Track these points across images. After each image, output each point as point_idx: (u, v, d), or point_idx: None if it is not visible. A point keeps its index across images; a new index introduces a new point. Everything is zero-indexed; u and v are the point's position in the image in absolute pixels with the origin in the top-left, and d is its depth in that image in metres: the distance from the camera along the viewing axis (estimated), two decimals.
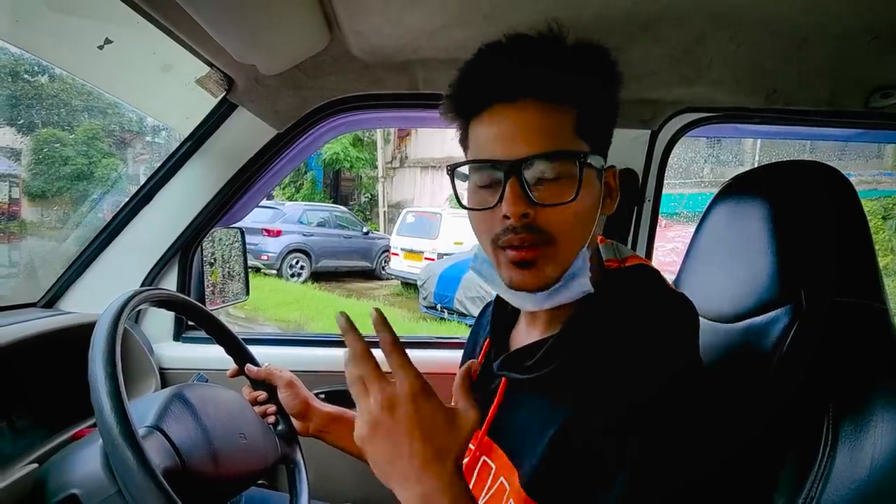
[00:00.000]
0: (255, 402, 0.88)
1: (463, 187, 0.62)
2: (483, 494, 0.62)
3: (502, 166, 0.55)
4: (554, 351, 0.58)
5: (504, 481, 0.59)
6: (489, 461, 0.64)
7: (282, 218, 9.19)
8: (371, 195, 14.86)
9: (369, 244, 10.26)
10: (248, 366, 0.88)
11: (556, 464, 0.53)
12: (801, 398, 0.59)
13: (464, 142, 0.64)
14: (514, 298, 0.62)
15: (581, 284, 0.58)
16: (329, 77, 1.01)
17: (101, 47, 0.92)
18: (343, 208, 11.63)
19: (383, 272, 10.05)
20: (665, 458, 0.49)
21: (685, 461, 0.50)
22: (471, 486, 0.64)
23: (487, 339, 0.73)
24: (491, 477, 0.62)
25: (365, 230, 10.47)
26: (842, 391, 0.57)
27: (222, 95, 1.01)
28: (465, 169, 0.60)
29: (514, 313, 0.73)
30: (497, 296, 0.73)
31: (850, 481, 0.52)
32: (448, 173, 0.61)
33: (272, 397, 0.89)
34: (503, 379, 0.65)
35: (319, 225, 9.70)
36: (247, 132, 1.10)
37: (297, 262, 9.10)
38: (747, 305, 0.67)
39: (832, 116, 1.08)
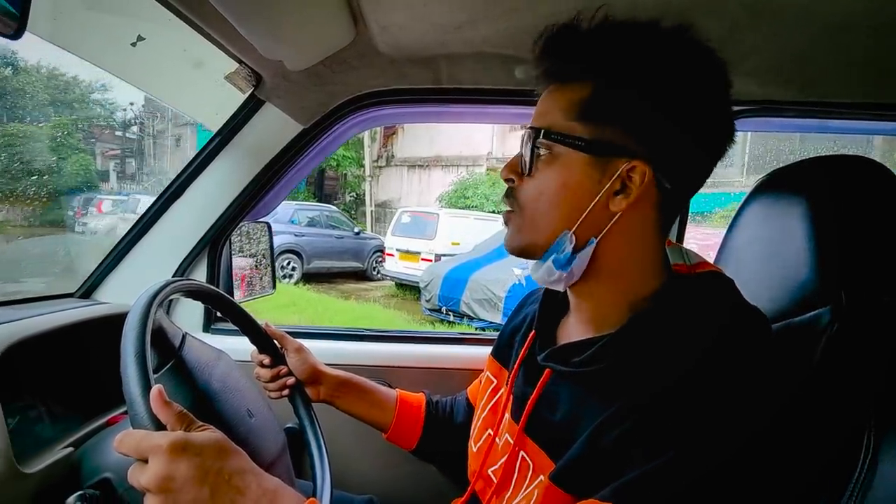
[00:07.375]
0: (262, 366, 0.89)
1: None
2: (522, 490, 0.61)
3: None
4: (607, 349, 0.57)
5: (544, 478, 0.58)
6: (527, 457, 0.63)
7: (273, 218, 9.00)
8: (357, 194, 14.47)
9: (360, 245, 9.97)
10: (267, 322, 0.89)
11: (587, 460, 0.52)
12: (841, 403, 0.56)
13: None
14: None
15: (549, 265, 0.59)
16: (354, 72, 1.01)
17: (133, 44, 0.95)
18: (333, 207, 11.34)
19: (375, 273, 9.79)
20: (693, 476, 0.47)
21: (717, 481, 0.48)
22: (511, 484, 0.64)
23: (532, 332, 0.72)
24: (530, 474, 0.61)
25: (356, 230, 10.18)
26: (885, 398, 0.55)
27: (250, 91, 1.03)
28: None
29: (562, 304, 0.70)
30: (546, 287, 0.71)
31: (891, 496, 0.49)
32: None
33: (281, 361, 0.89)
34: (544, 374, 0.64)
35: (310, 224, 9.46)
36: (273, 128, 1.11)
37: (288, 264, 8.82)
38: (785, 305, 0.65)
39: (870, 109, 1.04)
